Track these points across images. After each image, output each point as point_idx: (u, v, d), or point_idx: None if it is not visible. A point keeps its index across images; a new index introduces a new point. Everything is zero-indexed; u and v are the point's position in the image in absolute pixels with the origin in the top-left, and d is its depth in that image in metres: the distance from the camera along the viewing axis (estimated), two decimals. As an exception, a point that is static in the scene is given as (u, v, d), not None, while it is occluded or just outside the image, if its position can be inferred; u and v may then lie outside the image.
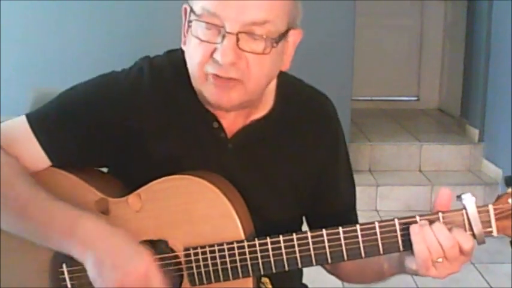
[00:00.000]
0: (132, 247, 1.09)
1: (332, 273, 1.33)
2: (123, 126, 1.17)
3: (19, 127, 1.18)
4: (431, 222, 1.06)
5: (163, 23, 3.73)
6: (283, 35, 1.10)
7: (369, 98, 5.50)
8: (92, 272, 1.08)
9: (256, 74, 1.09)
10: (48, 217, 1.10)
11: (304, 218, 1.32)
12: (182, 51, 1.20)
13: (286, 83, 1.23)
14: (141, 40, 3.76)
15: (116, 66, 1.25)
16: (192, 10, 1.09)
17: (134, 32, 3.81)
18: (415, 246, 1.04)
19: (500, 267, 3.26)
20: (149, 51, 1.29)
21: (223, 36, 1.05)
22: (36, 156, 1.17)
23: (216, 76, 1.08)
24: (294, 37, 1.15)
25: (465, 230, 1.07)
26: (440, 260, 1.05)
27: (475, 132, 4.46)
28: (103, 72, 1.24)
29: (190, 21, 1.09)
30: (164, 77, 1.19)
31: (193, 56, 1.10)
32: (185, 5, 1.13)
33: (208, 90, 1.11)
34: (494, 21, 4.23)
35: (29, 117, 1.19)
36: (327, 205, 1.28)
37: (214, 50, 1.07)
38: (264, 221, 1.16)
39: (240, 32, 1.05)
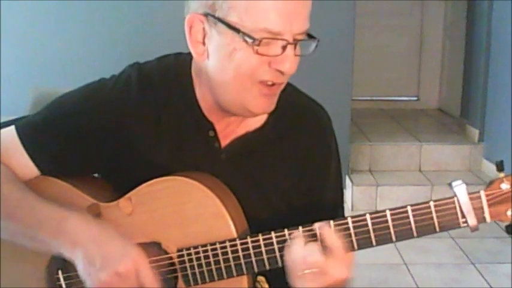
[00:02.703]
0: (120, 243, 1.09)
1: None
2: (111, 134, 1.17)
3: (8, 138, 1.18)
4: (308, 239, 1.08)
5: (163, 23, 3.74)
6: None
7: (369, 98, 5.50)
8: (81, 270, 1.08)
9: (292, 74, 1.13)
10: (36, 218, 1.11)
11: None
12: (174, 57, 1.19)
13: (283, 93, 1.23)
14: (141, 40, 3.76)
15: (116, 67, 1.25)
16: (235, 28, 1.04)
17: (134, 32, 3.81)
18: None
19: (500, 267, 3.26)
20: (149, 52, 1.29)
21: (284, 47, 1.05)
22: (25, 165, 1.18)
23: (269, 84, 1.09)
24: None
25: (457, 218, 1.07)
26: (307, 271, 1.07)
27: (475, 132, 4.47)
28: (102, 71, 1.24)
29: (255, 42, 1.04)
30: (154, 83, 1.18)
31: (243, 66, 1.07)
32: (192, 16, 1.09)
33: (253, 100, 1.10)
34: (494, 21, 4.23)
35: (17, 127, 1.19)
36: (313, 215, 1.28)
37: (271, 60, 1.07)
38: (256, 229, 1.15)
39: (296, 40, 1.07)
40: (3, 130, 1.20)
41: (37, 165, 1.18)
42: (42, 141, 1.18)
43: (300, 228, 1.10)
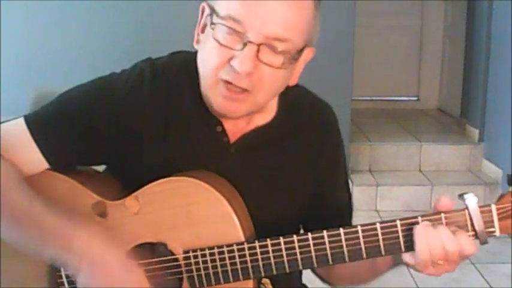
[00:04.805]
0: (127, 265, 1.08)
1: (321, 278, 1.31)
2: (122, 128, 1.16)
3: (17, 129, 1.17)
4: (434, 224, 1.06)
5: (163, 24, 3.74)
6: (300, 52, 1.10)
7: (369, 98, 5.50)
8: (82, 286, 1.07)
9: (268, 86, 1.09)
10: (43, 229, 1.09)
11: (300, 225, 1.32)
12: (186, 53, 1.19)
13: (289, 90, 1.22)
14: (142, 40, 3.76)
15: (116, 66, 1.24)
16: (213, 11, 1.08)
17: (134, 31, 3.81)
18: (417, 247, 1.05)
19: (500, 267, 3.25)
20: (149, 52, 1.28)
21: (245, 44, 1.04)
22: (34, 158, 1.16)
23: (228, 84, 1.07)
24: (306, 55, 1.14)
25: (467, 230, 1.06)
26: (440, 262, 1.05)
27: (475, 132, 4.46)
28: (103, 71, 1.23)
29: (213, 24, 1.07)
30: (166, 79, 1.18)
31: (209, 58, 1.09)
32: (203, 4, 1.12)
33: (215, 98, 1.10)
34: (494, 21, 4.23)
35: (27, 119, 1.17)
36: (322, 212, 1.28)
37: (232, 56, 1.06)
38: (262, 227, 1.16)
39: (261, 44, 1.05)
40: (10, 123, 1.18)
41: (47, 158, 1.16)
42: (53, 134, 1.16)
43: (443, 214, 1.07)
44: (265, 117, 1.21)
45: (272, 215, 1.21)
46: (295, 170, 1.24)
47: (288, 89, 1.21)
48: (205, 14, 1.11)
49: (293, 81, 1.17)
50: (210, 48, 1.08)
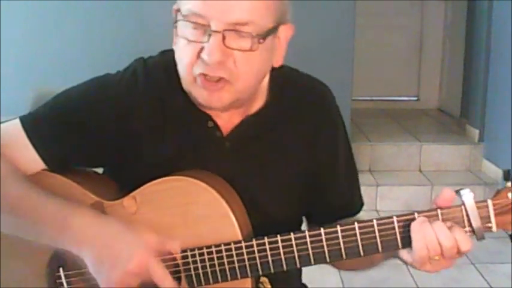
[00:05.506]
0: (128, 237, 1.08)
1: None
2: (117, 128, 1.17)
3: (13, 131, 1.18)
4: (430, 219, 1.06)
5: (163, 23, 3.72)
6: (270, 31, 1.09)
7: (369, 98, 5.50)
8: (92, 268, 1.08)
9: (244, 71, 1.09)
10: (40, 213, 1.10)
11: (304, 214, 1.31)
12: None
13: (280, 74, 1.21)
14: (141, 40, 3.75)
15: (116, 66, 1.25)
16: (179, 11, 1.10)
17: (134, 32, 3.81)
18: (415, 244, 1.05)
19: (500, 267, 3.26)
20: (149, 51, 1.29)
21: (209, 35, 1.05)
22: (31, 159, 1.17)
23: (203, 76, 1.08)
24: (285, 33, 1.14)
25: (464, 226, 1.06)
26: (437, 258, 1.05)
27: (475, 132, 4.47)
28: (103, 71, 1.23)
29: (179, 22, 1.09)
30: (158, 78, 1.19)
31: (182, 56, 1.11)
32: (173, 7, 1.13)
33: (197, 92, 1.11)
34: (494, 21, 4.23)
35: (22, 120, 1.18)
36: (326, 200, 1.27)
37: (202, 49, 1.07)
38: (264, 219, 1.16)
39: (225, 30, 1.05)
40: (7, 123, 1.19)
41: (43, 159, 1.17)
42: (48, 134, 1.17)
43: (439, 210, 1.07)
44: (256, 105, 1.20)
45: (273, 205, 1.20)
46: (292, 157, 1.22)
47: (278, 73, 1.20)
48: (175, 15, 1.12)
49: (277, 62, 1.17)
50: (181, 47, 1.10)
